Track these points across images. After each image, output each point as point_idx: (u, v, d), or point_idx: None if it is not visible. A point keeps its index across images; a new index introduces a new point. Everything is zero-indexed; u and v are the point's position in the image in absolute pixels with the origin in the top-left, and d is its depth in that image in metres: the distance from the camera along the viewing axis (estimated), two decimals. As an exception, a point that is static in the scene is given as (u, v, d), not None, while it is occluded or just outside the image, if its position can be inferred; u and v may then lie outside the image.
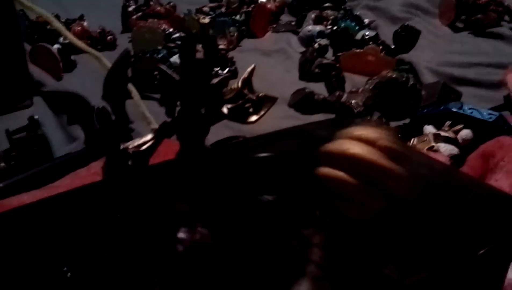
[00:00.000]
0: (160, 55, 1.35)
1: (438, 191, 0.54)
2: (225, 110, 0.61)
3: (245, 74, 0.63)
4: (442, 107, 0.98)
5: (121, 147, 0.53)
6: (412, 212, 0.50)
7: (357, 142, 0.37)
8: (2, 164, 0.89)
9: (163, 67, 0.56)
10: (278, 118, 0.88)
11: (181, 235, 0.40)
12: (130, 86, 0.85)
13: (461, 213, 0.50)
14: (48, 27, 1.60)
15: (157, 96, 1.20)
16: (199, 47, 0.56)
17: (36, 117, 0.95)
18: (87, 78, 1.35)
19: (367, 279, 0.39)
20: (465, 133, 0.94)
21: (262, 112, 0.64)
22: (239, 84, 0.62)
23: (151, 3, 1.87)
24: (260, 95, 0.64)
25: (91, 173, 0.71)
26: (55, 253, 0.46)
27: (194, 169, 0.57)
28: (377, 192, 0.36)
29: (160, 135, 0.56)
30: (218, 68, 1.12)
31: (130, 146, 0.54)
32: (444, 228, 0.48)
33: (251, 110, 0.63)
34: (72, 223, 0.50)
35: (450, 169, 0.68)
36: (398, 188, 0.37)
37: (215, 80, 0.59)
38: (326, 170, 0.37)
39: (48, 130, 0.96)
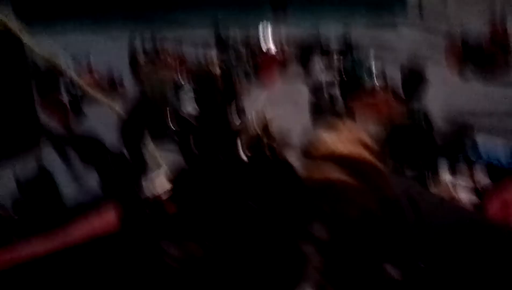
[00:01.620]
0: (170, 103, 1.35)
1: (469, 236, 0.52)
2: (243, 156, 0.60)
3: (264, 120, 0.62)
4: (459, 155, 0.96)
5: (139, 194, 0.51)
6: (446, 258, 0.48)
7: (348, 143, 0.38)
8: (10, 211, 0.88)
9: (182, 113, 0.55)
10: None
11: (172, 250, 0.38)
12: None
13: (493, 258, 0.48)
14: (59, 77, 1.61)
15: (169, 142, 1.20)
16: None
17: (46, 164, 0.94)
18: (97, 127, 1.35)
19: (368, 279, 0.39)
20: (483, 179, 0.91)
21: (280, 159, 0.62)
22: (258, 130, 0.60)
23: (161, 53, 1.89)
24: (279, 141, 0.62)
25: (104, 220, 0.69)
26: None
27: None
28: (371, 190, 0.38)
29: (178, 182, 0.55)
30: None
31: (149, 194, 0.52)
32: (478, 274, 0.46)
33: (269, 156, 0.61)
34: (90, 271, 0.48)
35: (478, 215, 0.66)
36: (384, 187, 0.39)
37: (233, 126, 0.58)
38: (320, 172, 0.37)
39: (57, 177, 0.95)
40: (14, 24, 1.10)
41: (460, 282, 0.46)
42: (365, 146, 0.38)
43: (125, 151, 0.48)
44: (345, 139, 0.38)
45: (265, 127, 0.65)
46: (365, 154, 0.37)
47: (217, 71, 1.71)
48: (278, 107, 1.60)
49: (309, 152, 0.39)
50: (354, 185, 0.36)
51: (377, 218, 0.41)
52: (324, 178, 0.37)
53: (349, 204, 0.36)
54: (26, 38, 1.10)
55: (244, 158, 0.60)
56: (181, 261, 0.38)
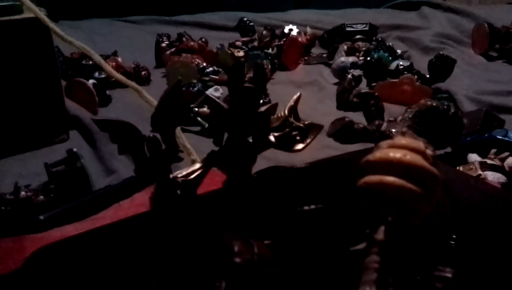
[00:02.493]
0: (195, 89, 1.36)
1: (498, 214, 0.52)
2: (272, 138, 0.60)
3: (291, 102, 0.62)
4: (486, 135, 0.96)
5: (170, 176, 0.52)
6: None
7: (406, 150, 0.37)
8: (41, 197, 0.89)
9: (212, 96, 0.56)
10: (316, 148, 0.87)
11: (238, 248, 0.38)
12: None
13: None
14: (83, 62, 1.63)
15: (194, 128, 1.21)
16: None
17: (74, 150, 0.95)
18: (123, 112, 1.36)
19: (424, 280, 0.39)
20: (510, 158, 0.91)
21: (308, 140, 0.62)
22: (286, 112, 0.61)
23: (184, 38, 1.89)
24: (307, 123, 0.62)
25: (135, 204, 0.70)
26: (106, 285, 0.45)
27: (241, 197, 0.56)
28: (430, 198, 0.37)
29: (208, 164, 0.55)
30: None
31: (179, 175, 0.53)
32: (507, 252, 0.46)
33: (298, 138, 0.62)
34: (122, 254, 0.49)
35: (507, 193, 0.66)
36: (439, 193, 0.38)
37: (262, 108, 0.58)
38: (381, 178, 0.37)
39: (85, 160, 0.96)
40: (40, 11, 1.11)
41: (489, 260, 0.46)
42: (420, 152, 0.38)
43: (157, 135, 0.49)
44: (400, 146, 0.38)
45: (291, 108, 0.65)
46: (421, 161, 0.37)
47: (240, 54, 1.72)
48: (301, 89, 1.60)
49: (365, 158, 0.39)
50: (413, 191, 0.36)
51: (433, 224, 0.41)
52: (380, 181, 0.37)
53: (410, 211, 0.36)
54: (52, 24, 1.11)
55: (272, 139, 0.60)
56: (249, 261, 0.37)
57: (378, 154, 0.37)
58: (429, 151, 0.38)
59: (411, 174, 0.36)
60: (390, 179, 0.36)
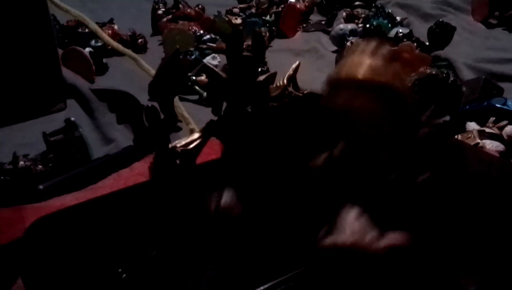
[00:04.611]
0: (193, 57, 1.35)
1: (497, 183, 0.53)
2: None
3: (290, 71, 0.61)
4: (485, 103, 0.96)
5: (169, 146, 0.52)
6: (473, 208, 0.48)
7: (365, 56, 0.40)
8: (40, 167, 0.89)
9: (210, 65, 0.55)
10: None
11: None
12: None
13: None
14: (79, 30, 1.61)
15: (192, 97, 1.20)
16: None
17: (72, 119, 0.95)
18: (119, 81, 1.35)
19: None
20: (510, 129, 0.91)
21: (307, 109, 0.62)
22: (285, 81, 0.60)
23: (180, 5, 1.86)
24: (306, 92, 0.62)
25: (134, 173, 0.70)
26: (107, 254, 0.45)
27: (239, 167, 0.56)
28: (390, 105, 0.40)
29: (207, 133, 0.55)
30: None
31: (178, 145, 0.53)
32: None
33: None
34: (122, 223, 0.50)
35: (505, 162, 0.66)
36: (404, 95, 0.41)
37: (261, 78, 0.58)
38: (342, 100, 0.38)
39: (83, 132, 0.95)
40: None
41: (487, 227, 0.47)
42: (387, 60, 0.39)
43: (155, 104, 0.49)
44: (367, 59, 0.39)
45: (290, 77, 0.64)
46: (384, 76, 0.38)
47: (238, 21, 1.70)
48: (299, 57, 1.59)
49: (332, 80, 0.40)
50: (374, 109, 0.37)
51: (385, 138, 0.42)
52: (343, 104, 0.38)
53: (367, 127, 0.37)
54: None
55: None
56: (216, 216, 0.38)
57: (341, 72, 0.39)
58: (382, 50, 0.39)
59: (372, 91, 0.37)
60: (349, 98, 0.37)
